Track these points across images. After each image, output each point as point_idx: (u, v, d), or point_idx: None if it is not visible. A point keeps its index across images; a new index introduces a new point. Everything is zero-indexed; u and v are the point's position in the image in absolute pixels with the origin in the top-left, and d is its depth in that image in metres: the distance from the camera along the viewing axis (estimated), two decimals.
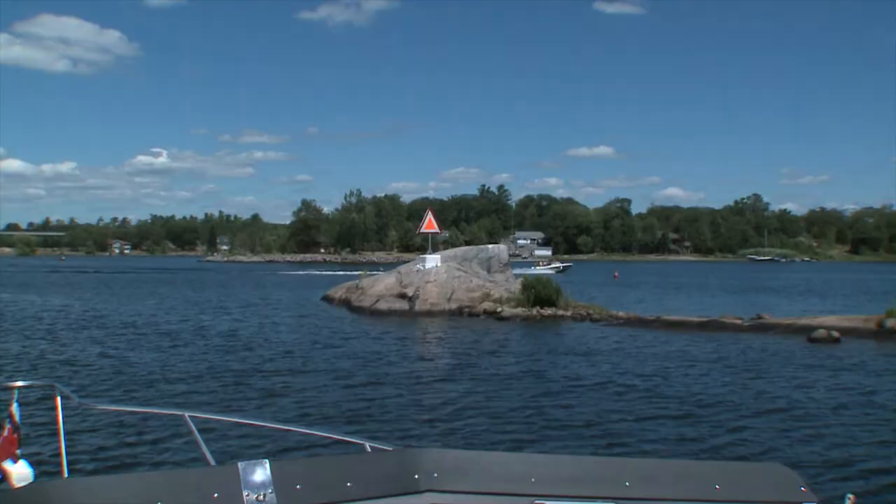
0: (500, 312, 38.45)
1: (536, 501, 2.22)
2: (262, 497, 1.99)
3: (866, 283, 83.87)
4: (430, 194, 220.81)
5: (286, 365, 24.97)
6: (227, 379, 21.37)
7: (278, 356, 26.96)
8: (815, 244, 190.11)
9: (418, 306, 39.79)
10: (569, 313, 38.76)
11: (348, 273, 67.41)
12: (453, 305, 39.99)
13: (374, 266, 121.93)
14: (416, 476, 2.20)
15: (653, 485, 2.37)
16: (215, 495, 1.97)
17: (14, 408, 3.36)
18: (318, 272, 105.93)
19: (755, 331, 33.02)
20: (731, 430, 15.80)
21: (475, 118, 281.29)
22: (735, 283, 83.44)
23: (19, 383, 3.39)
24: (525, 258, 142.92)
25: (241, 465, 2.08)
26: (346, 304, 44.53)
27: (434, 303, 40.00)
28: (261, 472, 2.04)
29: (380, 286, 42.88)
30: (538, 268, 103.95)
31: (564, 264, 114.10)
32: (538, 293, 39.70)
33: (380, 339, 32.68)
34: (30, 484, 2.85)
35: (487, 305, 39.63)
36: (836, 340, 30.03)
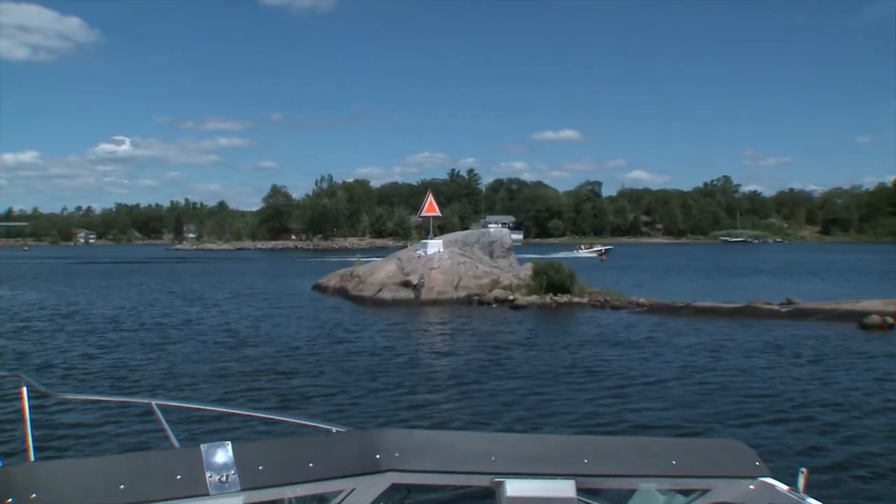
0: (513, 301, 36.13)
1: (496, 479, 2.20)
2: (224, 478, 1.93)
3: (854, 264, 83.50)
4: (397, 179, 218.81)
5: (299, 365, 22.47)
6: (241, 383, 19.12)
7: (285, 354, 24.43)
8: (785, 225, 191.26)
9: (424, 295, 37.31)
10: (585, 300, 36.63)
11: (344, 259, 64.03)
12: (461, 293, 37.55)
13: (347, 252, 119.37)
14: (378, 456, 2.15)
15: (612, 461, 2.33)
16: (178, 477, 1.90)
17: None
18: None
19: (795, 317, 31.14)
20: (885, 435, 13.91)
21: (440, 103, 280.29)
22: (725, 266, 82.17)
23: None
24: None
25: (203, 447, 1.99)
26: (342, 293, 41.83)
27: (441, 291, 37.53)
28: (223, 454, 1.97)
29: (380, 274, 40.22)
30: (581, 251, 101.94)
31: (606, 247, 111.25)
32: (551, 279, 37.46)
33: (393, 332, 30.18)
34: None
35: (498, 293, 37.27)
36: (890, 327, 28.25)
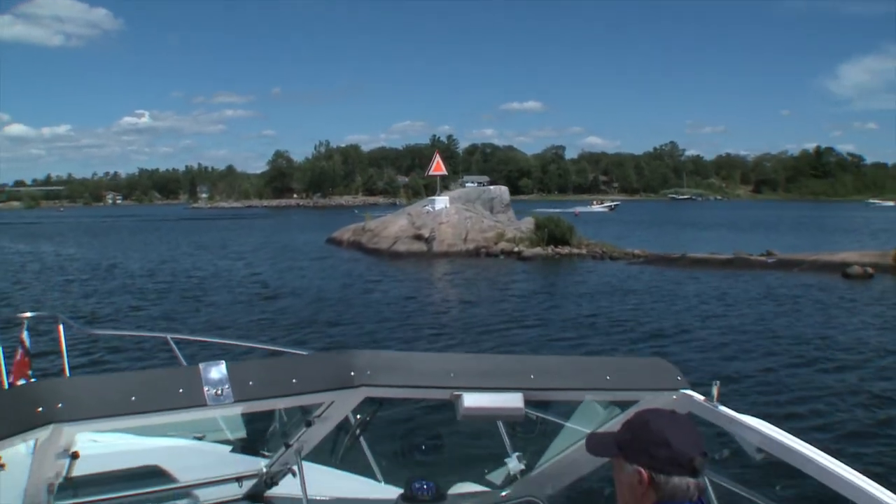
0: (520, 252, 33.64)
1: (455, 392, 2.16)
2: (219, 392, 1.90)
3: (797, 219, 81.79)
4: (384, 144, 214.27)
5: (335, 315, 20.25)
6: (289, 333, 17.10)
7: (320, 305, 22.03)
8: (724, 185, 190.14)
9: (436, 248, 34.77)
10: (584, 251, 34.23)
11: (339, 214, 58.85)
12: (470, 246, 35.04)
13: (343, 209, 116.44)
14: (353, 373, 2.08)
15: (554, 377, 2.30)
16: (180, 391, 1.87)
17: (25, 335, 3.82)
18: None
19: (782, 268, 29.03)
20: None
21: (419, 77, 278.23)
22: (687, 219, 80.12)
23: (28, 314, 3.91)
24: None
25: (201, 365, 1.95)
26: (356, 246, 39.08)
27: (451, 244, 34.99)
28: (218, 371, 1.92)
29: (393, 228, 37.50)
30: (594, 206, 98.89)
31: (615, 203, 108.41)
32: (552, 232, 35.03)
33: (413, 282, 27.69)
34: (25, 384, 3.23)
35: (504, 245, 34.82)
36: (870, 276, 26.26)
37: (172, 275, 29.72)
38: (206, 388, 1.90)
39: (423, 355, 2.36)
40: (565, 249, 34.06)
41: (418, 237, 35.42)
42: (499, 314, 20.12)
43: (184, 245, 47.67)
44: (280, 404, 2.26)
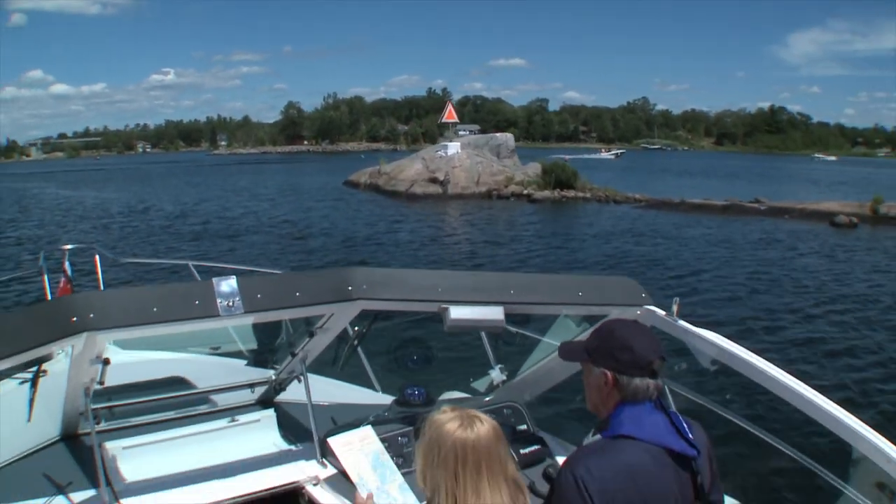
0: (530, 195, 31.93)
1: (443, 305, 2.15)
2: (231, 304, 1.87)
3: (763, 171, 79.84)
4: (383, 96, 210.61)
5: (367, 255, 18.57)
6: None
7: (350, 245, 20.47)
8: (689, 137, 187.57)
9: (450, 190, 32.90)
10: (588, 195, 32.54)
11: (343, 159, 54.39)
12: (482, 189, 33.27)
13: (350, 154, 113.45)
14: (350, 288, 2.06)
15: (532, 293, 2.27)
16: (196, 303, 1.85)
17: (66, 265, 3.78)
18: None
19: (773, 215, 27.60)
20: None
21: (416, 34, 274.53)
22: (664, 167, 78.07)
23: (68, 246, 3.89)
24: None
25: (214, 280, 1.90)
26: (373, 188, 37.14)
27: (464, 186, 33.20)
28: (229, 285, 1.89)
29: (409, 171, 35.51)
30: (603, 153, 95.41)
31: (619, 151, 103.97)
32: (558, 177, 33.24)
33: (435, 222, 26.12)
34: (62, 297, 3.25)
35: (514, 188, 33.02)
36: (855, 226, 24.93)
37: (205, 216, 27.92)
38: (218, 301, 1.85)
39: (414, 272, 2.30)
40: (571, 193, 32.40)
41: (433, 180, 33.57)
42: (525, 254, 18.68)
43: (212, 188, 45.50)
44: (285, 315, 2.27)
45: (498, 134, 42.27)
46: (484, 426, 1.57)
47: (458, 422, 1.57)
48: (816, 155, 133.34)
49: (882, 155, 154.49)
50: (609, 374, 1.64)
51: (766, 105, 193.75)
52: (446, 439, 1.55)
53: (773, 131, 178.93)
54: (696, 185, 44.07)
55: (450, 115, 38.11)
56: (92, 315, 1.73)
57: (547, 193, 31.72)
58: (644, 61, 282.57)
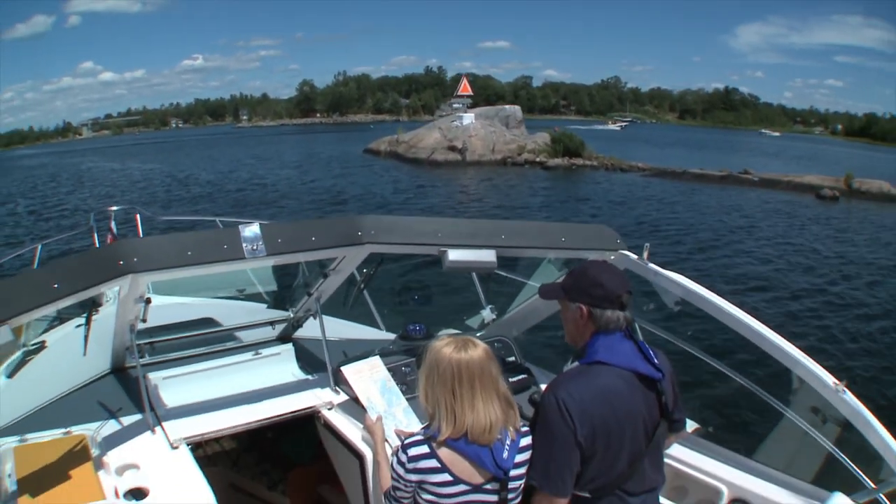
0: (543, 163, 29.75)
1: (441, 249, 2.12)
2: (255, 247, 1.85)
3: (726, 142, 76.93)
4: (385, 74, 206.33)
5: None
6: None
7: (384, 210, 18.32)
8: (656, 112, 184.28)
9: (469, 157, 30.59)
10: (596, 163, 30.40)
11: (355, 130, 48.77)
12: (497, 156, 31.00)
13: (360, 125, 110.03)
14: (360, 233, 2.04)
15: (520, 237, 2.26)
16: (224, 247, 1.83)
17: (112, 224, 3.85)
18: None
19: (765, 186, 25.70)
20: None
21: (414, 18, 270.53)
22: (642, 138, 75.20)
23: (114, 207, 3.94)
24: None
25: (240, 226, 1.88)
26: (394, 156, 34.65)
27: (481, 154, 30.90)
28: (252, 231, 1.87)
29: (428, 140, 33.03)
30: (610, 125, 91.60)
31: (625, 122, 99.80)
32: (566, 146, 31.00)
33: (461, 188, 24.01)
34: (110, 244, 3.32)
35: (528, 156, 30.78)
36: (836, 198, 23.25)
37: (241, 184, 25.64)
38: (244, 245, 1.84)
39: (416, 219, 2.24)
40: (579, 161, 30.25)
41: (451, 148, 31.20)
42: (553, 217, 16.77)
43: (242, 157, 42.49)
44: (302, 258, 2.21)
45: (507, 106, 39.41)
46: (477, 349, 1.59)
47: (454, 345, 1.59)
48: (763, 130, 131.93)
49: (818, 133, 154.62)
50: (584, 307, 1.64)
51: (720, 86, 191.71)
52: (444, 360, 1.56)
53: (728, 109, 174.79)
54: (680, 155, 41.91)
55: (464, 88, 35.31)
56: (136, 259, 1.74)
57: (559, 161, 29.55)
58: (614, 44, 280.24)
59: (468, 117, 33.50)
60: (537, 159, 30.05)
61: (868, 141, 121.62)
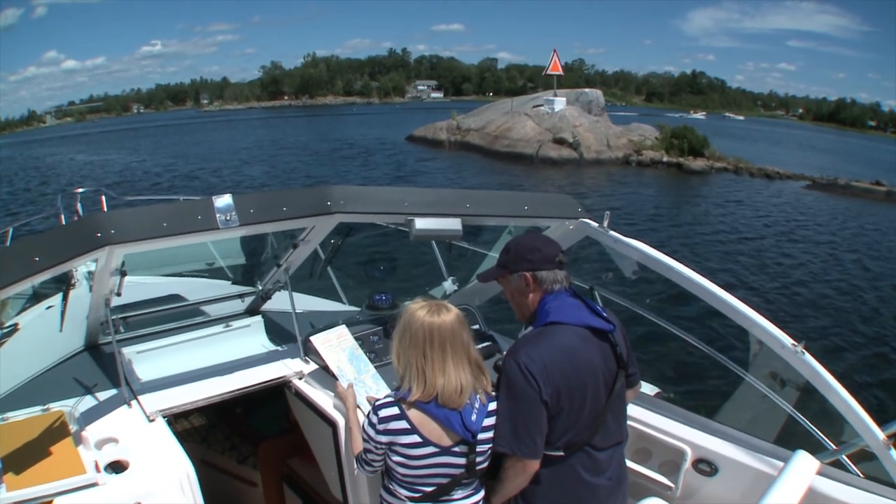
0: (681, 164, 24.70)
1: (408, 217, 2.13)
2: (228, 217, 1.88)
3: (697, 126, 74.80)
4: (343, 56, 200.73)
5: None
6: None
7: None
8: (623, 94, 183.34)
9: (584, 154, 25.13)
10: (728, 166, 25.69)
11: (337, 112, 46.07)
12: (618, 154, 25.68)
13: (333, 107, 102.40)
14: (329, 202, 2.03)
15: (484, 206, 2.26)
16: (199, 217, 1.85)
17: (78, 206, 3.82)
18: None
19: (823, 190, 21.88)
20: None
21: (366, 1, 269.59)
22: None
23: (79, 189, 3.92)
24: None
25: (213, 197, 1.90)
26: (466, 148, 28.60)
27: (598, 150, 25.48)
28: (225, 201, 1.88)
29: (523, 130, 27.12)
30: (691, 114, 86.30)
31: (705, 113, 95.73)
32: (690, 142, 26.13)
33: (618, 194, 18.60)
34: (88, 216, 3.20)
35: (652, 154, 25.66)
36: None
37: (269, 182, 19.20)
38: (217, 215, 1.85)
39: (384, 189, 2.23)
40: (708, 163, 25.46)
41: (559, 141, 25.57)
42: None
43: (250, 145, 34.98)
44: (273, 228, 2.20)
45: (587, 90, 33.80)
46: (450, 313, 1.62)
47: (427, 309, 1.62)
48: (727, 114, 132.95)
49: (781, 116, 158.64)
50: (527, 274, 1.68)
51: (671, 69, 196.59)
52: (416, 323, 1.60)
53: (695, 92, 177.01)
54: None
55: (555, 66, 29.45)
56: (113, 231, 1.75)
57: (702, 163, 24.62)
58: (567, 27, 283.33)
59: (560, 102, 27.93)
60: (664, 159, 25.01)
61: (836, 126, 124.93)
